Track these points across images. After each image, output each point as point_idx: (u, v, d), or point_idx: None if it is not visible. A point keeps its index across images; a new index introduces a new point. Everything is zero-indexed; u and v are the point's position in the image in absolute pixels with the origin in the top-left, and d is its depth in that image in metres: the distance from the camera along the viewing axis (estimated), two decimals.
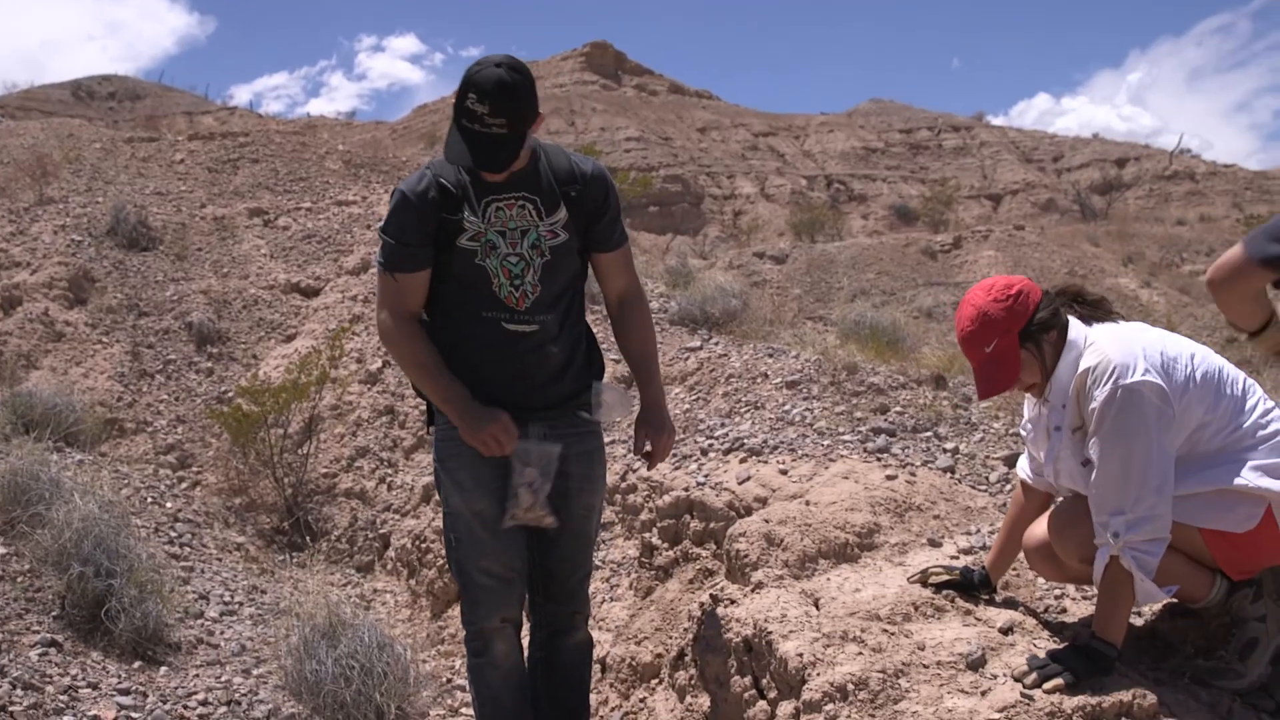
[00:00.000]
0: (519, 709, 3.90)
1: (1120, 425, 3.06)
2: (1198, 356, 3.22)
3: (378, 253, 3.65)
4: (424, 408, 3.90)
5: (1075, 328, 3.32)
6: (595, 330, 3.96)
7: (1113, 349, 3.15)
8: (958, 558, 3.98)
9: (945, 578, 3.73)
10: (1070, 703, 2.98)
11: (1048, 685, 3.04)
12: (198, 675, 4.95)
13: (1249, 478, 3.12)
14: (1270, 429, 3.20)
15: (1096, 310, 3.39)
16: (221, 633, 5.65)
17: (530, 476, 3.59)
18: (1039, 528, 3.52)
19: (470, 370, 3.64)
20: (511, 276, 3.61)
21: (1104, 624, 3.15)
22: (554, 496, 3.76)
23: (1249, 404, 3.24)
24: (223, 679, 4.96)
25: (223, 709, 4.63)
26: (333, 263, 12.12)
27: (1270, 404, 3.30)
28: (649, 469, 4.06)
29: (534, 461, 3.58)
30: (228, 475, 8.75)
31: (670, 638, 4.82)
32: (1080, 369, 3.19)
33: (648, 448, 3.86)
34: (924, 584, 3.73)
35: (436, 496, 7.56)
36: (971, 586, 3.71)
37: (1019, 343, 3.29)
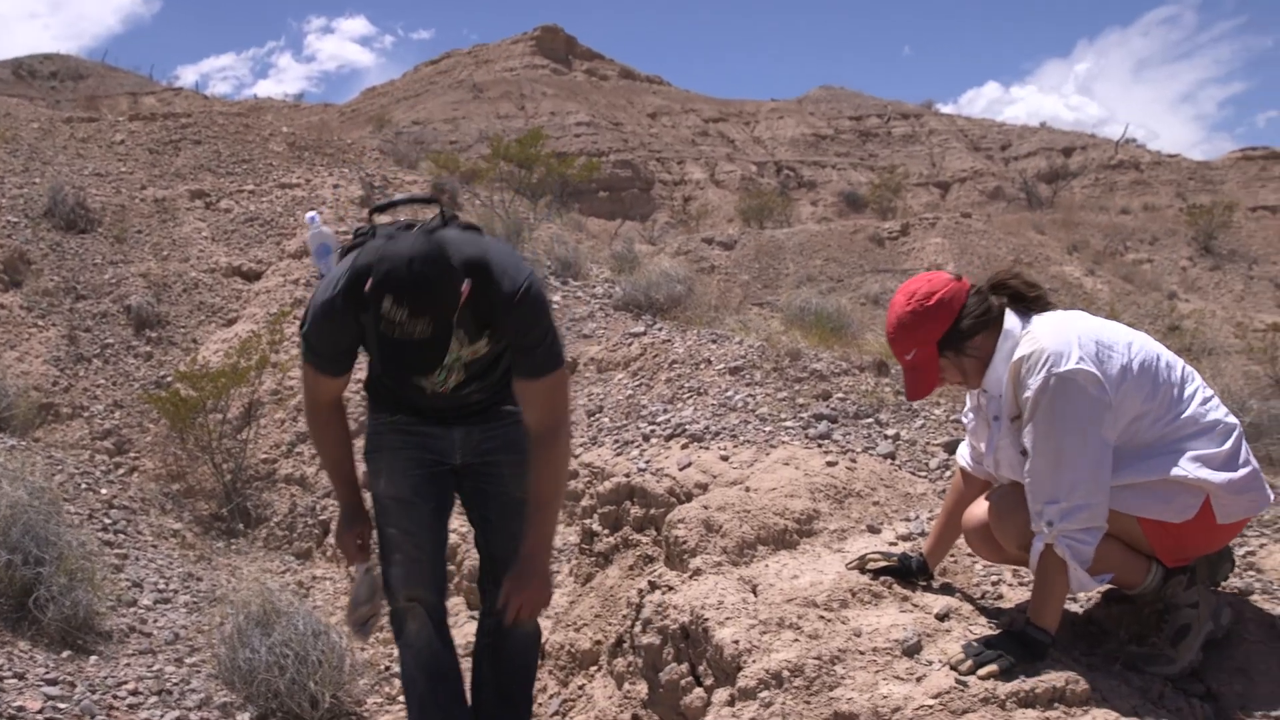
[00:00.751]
0: (434, 690, 3.85)
1: (1054, 414, 3.07)
2: (1135, 345, 3.23)
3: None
4: (363, 394, 3.92)
5: (1011, 319, 3.31)
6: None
7: (1047, 338, 3.15)
8: (896, 544, 3.99)
9: (883, 564, 3.73)
10: (1004, 688, 2.99)
11: (982, 671, 3.05)
12: (129, 664, 4.87)
13: (1187, 468, 3.13)
14: (1209, 418, 3.21)
15: (1033, 304, 3.38)
16: (155, 621, 5.57)
17: (356, 594, 3.78)
18: (978, 508, 3.52)
19: (400, 403, 3.78)
20: (433, 381, 3.59)
21: (1039, 611, 3.16)
22: (490, 483, 3.82)
23: (1188, 392, 3.25)
24: (154, 668, 4.89)
25: (153, 699, 4.56)
26: (275, 246, 11.98)
27: (1209, 392, 3.32)
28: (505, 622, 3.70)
29: (361, 587, 3.76)
30: (165, 461, 8.64)
31: (609, 624, 4.80)
32: (1015, 358, 3.19)
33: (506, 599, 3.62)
34: (861, 570, 3.73)
35: None
36: (909, 573, 3.72)
37: (938, 351, 3.31)
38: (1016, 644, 3.12)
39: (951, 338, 3.29)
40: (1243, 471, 3.18)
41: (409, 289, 2.96)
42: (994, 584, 3.93)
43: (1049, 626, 3.14)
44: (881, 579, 3.70)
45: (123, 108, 17.86)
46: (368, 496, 3.79)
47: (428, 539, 3.77)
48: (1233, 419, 3.27)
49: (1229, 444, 3.20)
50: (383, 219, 3.81)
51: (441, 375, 3.57)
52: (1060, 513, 3.05)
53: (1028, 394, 3.11)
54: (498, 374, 3.76)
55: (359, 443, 3.76)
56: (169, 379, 9.46)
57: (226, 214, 12.77)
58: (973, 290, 3.37)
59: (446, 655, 3.87)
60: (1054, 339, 3.13)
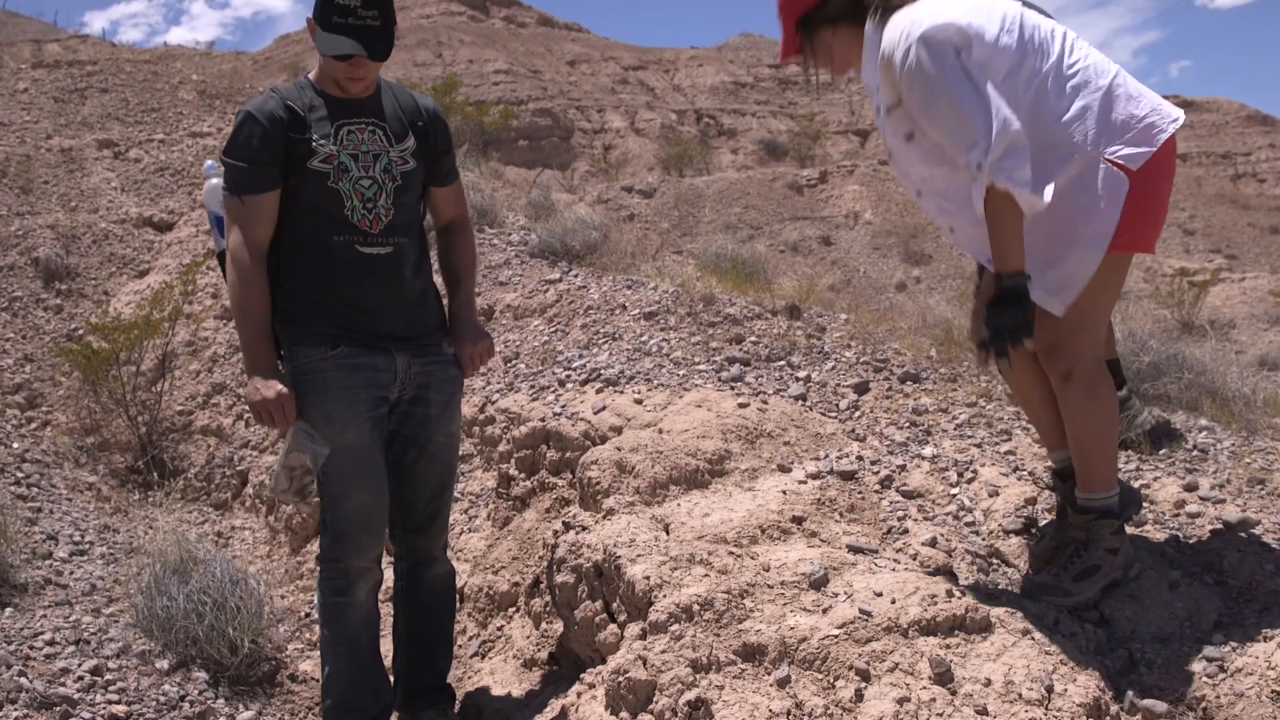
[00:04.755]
0: (375, 652, 3.88)
1: (933, 73, 3.12)
2: (1009, 15, 3.26)
3: (221, 181, 3.57)
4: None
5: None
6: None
7: (902, 18, 3.22)
8: (805, 482, 4.07)
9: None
10: (906, 617, 3.09)
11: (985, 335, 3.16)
12: (45, 616, 4.83)
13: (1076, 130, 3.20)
14: (1078, 78, 3.26)
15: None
16: (71, 573, 5.52)
17: (296, 461, 3.59)
18: None
19: (333, 295, 3.61)
20: (364, 199, 3.59)
21: (1003, 257, 3.14)
22: (414, 425, 3.81)
23: (1064, 46, 3.29)
24: (71, 619, 4.86)
25: (70, 648, 4.53)
26: (186, 196, 11.78)
27: (1084, 48, 3.33)
28: (466, 375, 4.05)
29: (306, 450, 3.57)
30: (79, 414, 8.52)
31: (527, 566, 4.85)
32: (882, 45, 3.25)
33: (456, 350, 3.96)
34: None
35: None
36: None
37: (795, 29, 3.48)
38: (1001, 306, 3.13)
39: (810, 19, 3.44)
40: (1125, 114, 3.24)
41: None
42: (900, 519, 4.04)
43: (1018, 266, 3.12)
44: (790, 516, 3.79)
45: (25, 55, 17.36)
46: None
47: (384, 492, 3.75)
48: (1104, 78, 3.30)
49: (1102, 95, 3.25)
50: None
51: (372, 190, 3.61)
52: (983, 150, 3.06)
53: (900, 70, 3.17)
54: (423, 249, 3.89)
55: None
56: (80, 332, 9.30)
57: (136, 164, 12.51)
58: None
59: (378, 613, 3.91)
60: (908, 17, 3.20)
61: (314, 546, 6.39)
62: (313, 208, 3.59)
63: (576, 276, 7.61)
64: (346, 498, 3.65)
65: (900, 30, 3.17)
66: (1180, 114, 3.32)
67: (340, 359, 3.61)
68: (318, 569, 3.82)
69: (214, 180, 3.62)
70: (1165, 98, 3.30)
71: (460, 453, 6.08)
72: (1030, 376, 3.61)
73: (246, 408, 8.29)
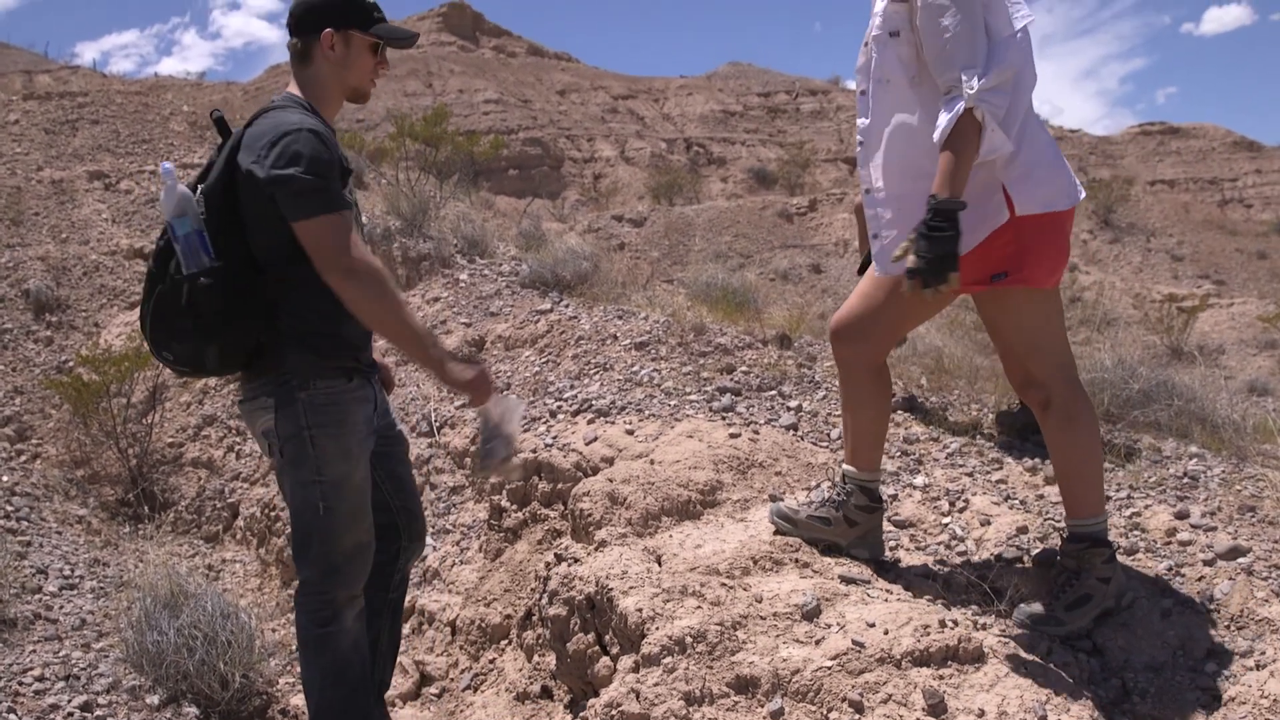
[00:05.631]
0: (365, 677, 3.86)
1: None
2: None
3: (305, 202, 3.30)
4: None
5: None
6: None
7: None
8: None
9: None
10: (899, 648, 3.09)
11: (910, 261, 3.14)
12: (34, 651, 4.81)
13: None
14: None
15: None
16: (60, 607, 5.50)
17: (510, 430, 3.57)
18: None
19: (345, 328, 3.55)
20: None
21: (947, 183, 3.15)
22: (389, 441, 3.87)
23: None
24: (61, 654, 4.83)
25: (60, 684, 4.51)
26: None
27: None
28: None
29: (514, 415, 3.60)
30: (69, 447, 8.50)
31: (519, 598, 4.84)
32: None
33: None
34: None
35: None
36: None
37: None
38: (937, 230, 3.12)
39: None
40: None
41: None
42: (892, 549, 4.04)
43: (959, 194, 3.15)
44: (780, 544, 3.80)
45: (16, 87, 17.41)
46: None
47: (372, 522, 3.74)
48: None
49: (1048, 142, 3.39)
50: None
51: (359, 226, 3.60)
52: (978, 76, 3.14)
53: None
54: None
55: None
56: (71, 364, 9.29)
57: (127, 195, 12.52)
58: None
59: (365, 638, 3.89)
60: None
61: None
62: None
63: (567, 307, 7.61)
64: (347, 532, 3.62)
65: None
66: (1082, 194, 3.49)
67: (353, 391, 3.60)
68: (298, 607, 3.73)
69: (181, 187, 3.42)
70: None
71: (451, 484, 6.08)
72: (870, 381, 3.74)
73: (237, 437, 8.28)
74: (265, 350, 3.52)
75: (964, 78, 3.14)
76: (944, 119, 3.18)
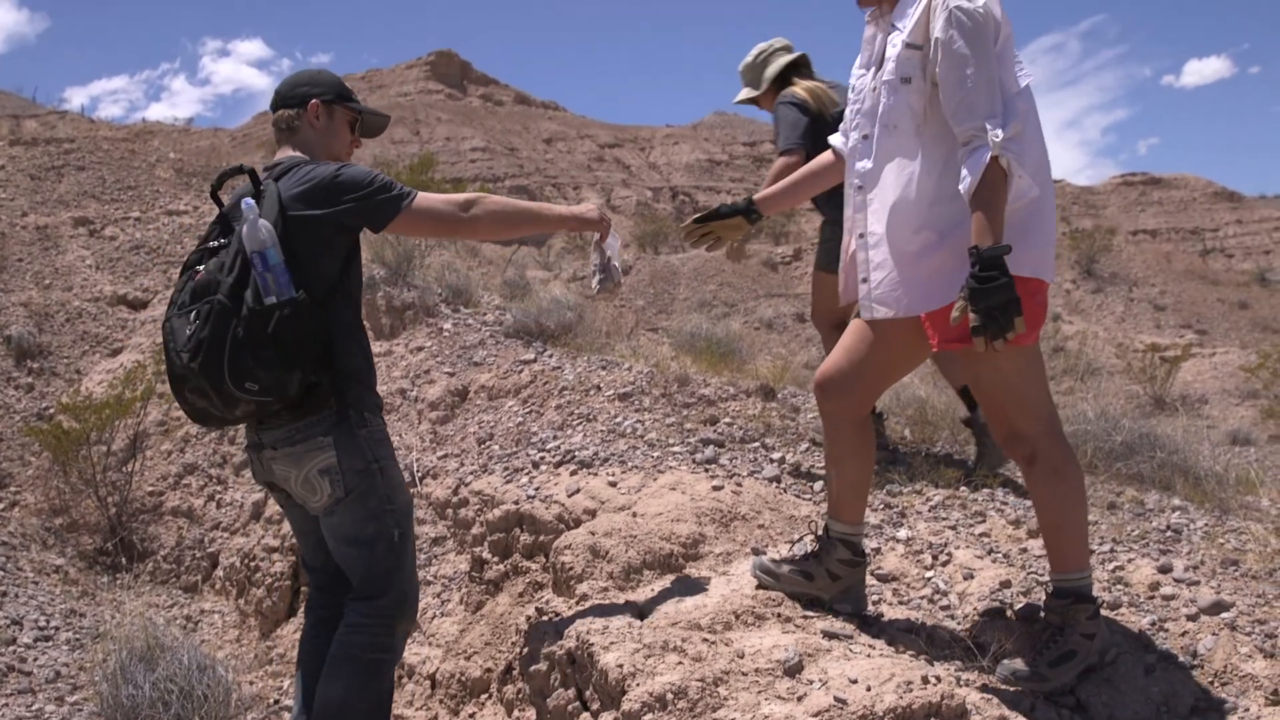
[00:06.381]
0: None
1: (976, 38, 3.23)
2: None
3: (394, 199, 3.64)
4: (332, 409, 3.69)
5: None
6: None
7: None
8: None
9: (701, 217, 4.21)
10: (882, 704, 3.05)
11: (972, 319, 3.09)
12: (6, 705, 4.76)
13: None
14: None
15: None
16: (35, 659, 5.44)
17: (616, 262, 4.10)
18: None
19: (373, 365, 3.81)
20: None
21: (987, 231, 3.15)
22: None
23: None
24: (34, 707, 4.78)
25: None
26: (162, 274, 11.79)
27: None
28: None
29: (617, 250, 4.10)
30: (48, 495, 8.45)
31: (499, 652, 4.80)
32: None
33: None
34: (691, 236, 4.22)
35: (266, 513, 7.42)
36: (736, 212, 4.14)
37: None
38: (988, 280, 3.09)
39: None
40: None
41: None
42: (875, 603, 4.02)
43: (1000, 238, 3.14)
44: (762, 598, 3.77)
45: (3, 132, 17.40)
46: None
47: None
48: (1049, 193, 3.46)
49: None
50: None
51: None
52: (1001, 125, 3.17)
53: (943, 16, 3.27)
54: None
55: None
56: (51, 411, 9.26)
57: (111, 241, 12.52)
58: None
59: None
60: None
61: (284, 630, 6.32)
62: (356, 285, 3.80)
63: (551, 357, 7.61)
64: (407, 555, 3.80)
65: None
66: (1054, 277, 3.50)
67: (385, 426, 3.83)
68: (356, 628, 3.74)
69: (263, 222, 3.53)
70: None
71: (433, 535, 6.05)
72: (853, 434, 3.74)
73: (218, 486, 8.23)
74: (316, 389, 3.60)
75: (989, 127, 3.17)
76: (969, 172, 3.19)
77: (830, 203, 5.60)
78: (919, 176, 3.41)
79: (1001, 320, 3.05)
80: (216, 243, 3.60)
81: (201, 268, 3.53)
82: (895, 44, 3.48)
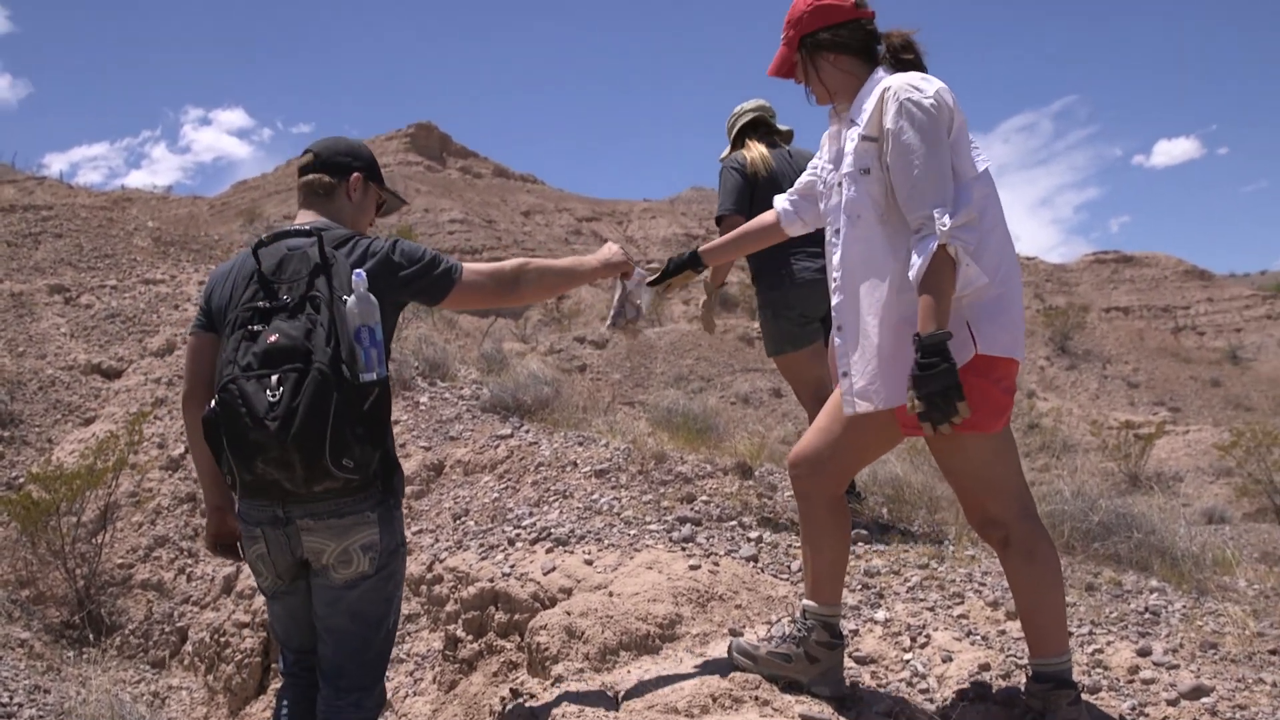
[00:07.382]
0: None
1: (929, 129, 3.28)
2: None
3: (448, 269, 3.75)
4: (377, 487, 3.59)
5: (885, 69, 3.59)
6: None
7: (914, 75, 3.41)
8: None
9: (658, 273, 4.43)
10: None
11: (921, 409, 3.11)
12: None
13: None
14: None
15: (910, 65, 3.57)
16: None
17: (639, 301, 4.36)
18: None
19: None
20: None
21: (931, 318, 3.17)
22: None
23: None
24: None
25: None
26: (137, 343, 11.72)
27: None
28: None
29: (643, 287, 4.35)
30: (15, 566, 8.31)
31: None
32: (889, 82, 3.40)
33: None
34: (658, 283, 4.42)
35: (238, 587, 7.34)
36: (681, 266, 4.36)
37: (795, 48, 3.68)
38: (930, 367, 3.11)
39: (818, 42, 3.62)
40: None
41: None
42: (852, 686, 3.98)
43: (944, 326, 3.15)
44: (739, 681, 3.73)
45: None
46: None
47: None
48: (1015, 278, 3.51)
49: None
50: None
51: None
52: (950, 214, 3.20)
53: (895, 109, 3.33)
54: None
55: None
56: (21, 480, 9.15)
57: (87, 309, 12.47)
58: (866, 21, 3.64)
59: None
60: (919, 77, 3.40)
61: (253, 708, 6.22)
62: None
63: (528, 432, 7.59)
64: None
65: (914, 78, 3.38)
66: (1022, 356, 3.54)
67: None
68: (357, 704, 3.68)
69: (372, 295, 3.49)
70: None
71: (406, 612, 5.98)
72: (828, 514, 3.75)
73: (189, 559, 8.13)
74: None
75: (936, 215, 3.21)
76: (918, 258, 3.23)
77: (764, 282, 5.75)
78: (885, 265, 3.44)
79: (943, 406, 3.08)
80: (265, 304, 3.41)
81: (260, 328, 3.35)
82: (853, 138, 3.54)
